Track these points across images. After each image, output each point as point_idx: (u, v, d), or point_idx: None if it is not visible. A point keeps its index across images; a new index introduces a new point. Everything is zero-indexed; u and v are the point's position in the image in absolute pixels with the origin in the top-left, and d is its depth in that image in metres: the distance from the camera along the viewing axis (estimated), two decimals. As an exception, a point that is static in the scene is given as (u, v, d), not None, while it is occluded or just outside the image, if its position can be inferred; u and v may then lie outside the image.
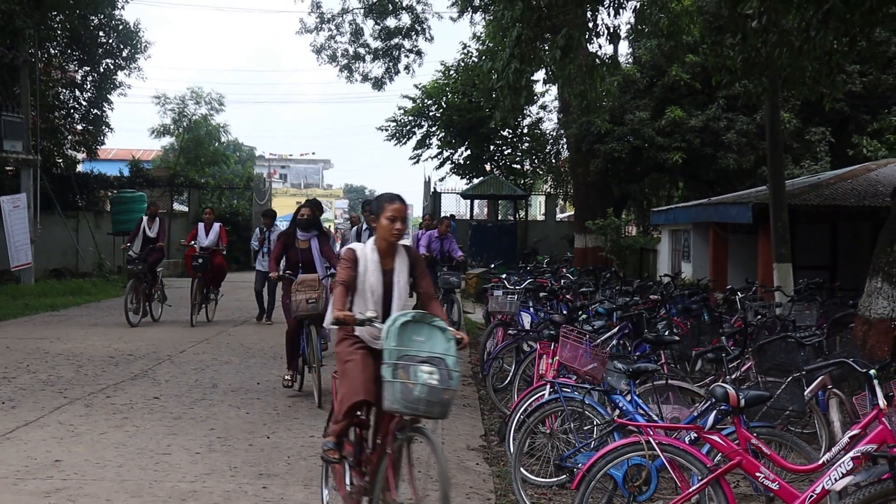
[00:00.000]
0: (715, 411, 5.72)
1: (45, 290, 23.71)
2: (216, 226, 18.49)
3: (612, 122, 26.06)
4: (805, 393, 7.51)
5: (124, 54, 31.32)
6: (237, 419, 9.65)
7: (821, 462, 5.67)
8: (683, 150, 25.86)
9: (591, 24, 14.02)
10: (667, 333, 9.75)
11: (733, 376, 8.30)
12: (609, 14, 14.49)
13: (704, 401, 6.69)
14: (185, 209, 37.56)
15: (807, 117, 25.56)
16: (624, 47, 29.69)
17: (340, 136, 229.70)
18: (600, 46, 14.65)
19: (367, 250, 6.27)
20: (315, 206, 12.35)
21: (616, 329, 10.27)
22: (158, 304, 18.56)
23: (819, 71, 13.24)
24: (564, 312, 11.47)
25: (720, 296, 15.02)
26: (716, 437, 5.56)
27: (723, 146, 25.63)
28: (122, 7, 29.37)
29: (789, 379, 7.56)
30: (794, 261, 15.86)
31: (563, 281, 17.40)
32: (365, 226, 17.72)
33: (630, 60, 29.49)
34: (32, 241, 24.91)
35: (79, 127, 32.93)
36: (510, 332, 11.85)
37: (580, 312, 11.52)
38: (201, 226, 18.49)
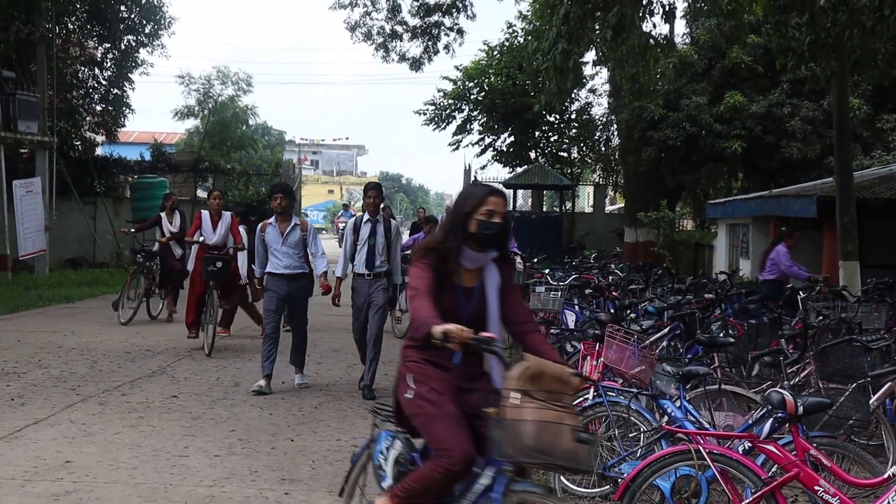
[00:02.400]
0: (771, 419, 5.67)
1: (59, 281, 23.94)
2: (226, 215, 14.89)
3: (667, 107, 25.92)
4: (871, 401, 7.43)
5: (147, 30, 31.59)
6: (259, 420, 9.68)
7: (887, 476, 5.59)
8: (743, 138, 25.69)
9: (645, 2, 13.96)
10: (721, 335, 9.67)
11: (792, 382, 8.21)
12: (665, -10, 14.40)
13: (760, 408, 6.62)
14: (210, 196, 37.60)
15: (878, 103, 25.30)
16: (680, 27, 29.61)
17: (375, 121, 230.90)
18: (654, 26, 14.62)
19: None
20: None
21: (666, 329, 10.21)
22: (159, 301, 18.14)
23: (893, 53, 13.10)
24: (611, 311, 11.43)
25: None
26: (772, 447, 5.51)
27: (786, 134, 25.43)
28: (146, -21, 29.58)
29: (853, 386, 7.47)
30: (862, 259, 15.70)
31: (611, 277, 17.33)
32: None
33: (686, 41, 29.33)
34: (47, 228, 25.15)
35: (98, 108, 33.21)
36: (553, 331, 11.77)
37: (628, 311, 11.47)
38: (206, 214, 14.80)
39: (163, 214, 17.80)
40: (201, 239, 14.51)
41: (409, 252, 17.48)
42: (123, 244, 29.26)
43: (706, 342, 8.69)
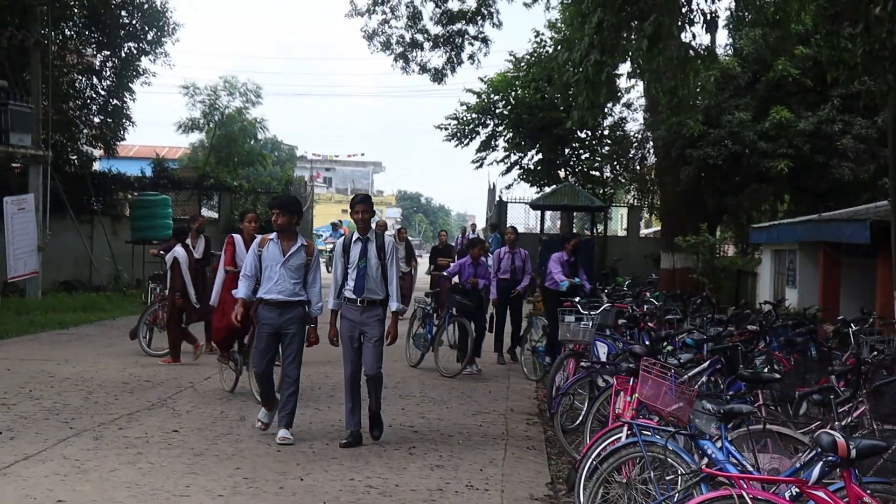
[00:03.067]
0: (821, 463, 5.63)
1: (53, 305, 24.04)
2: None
3: (707, 123, 25.90)
4: (929, 444, 7.37)
5: (149, 37, 31.73)
6: (266, 457, 9.69)
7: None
8: (790, 157, 25.64)
9: (684, 10, 13.95)
10: (766, 370, 9.63)
11: (843, 422, 8.16)
12: (706, -2, 14.40)
13: (809, 450, 6.57)
14: (216, 215, 37.82)
15: (937, 121, 25.21)
16: (722, 37, 29.46)
17: (393, 136, 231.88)
18: (694, 36, 14.55)
19: None
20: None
21: (706, 364, 10.15)
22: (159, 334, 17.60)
23: (954, 66, 13.04)
24: (647, 343, 11.38)
25: (830, 328, 14.83)
26: (821, 494, 5.47)
27: (837, 153, 25.36)
28: (148, -18, 29.78)
29: (911, 427, 7.42)
30: (920, 289, 15.61)
31: (646, 306, 17.29)
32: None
33: (729, 52, 29.30)
34: (40, 248, 25.26)
35: (96, 119, 33.38)
36: (583, 364, 11.76)
37: (665, 343, 11.41)
38: (239, 239, 14.11)
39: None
40: (235, 269, 13.04)
41: (447, 274, 17.61)
42: (122, 266, 29.41)
43: (750, 378, 8.65)
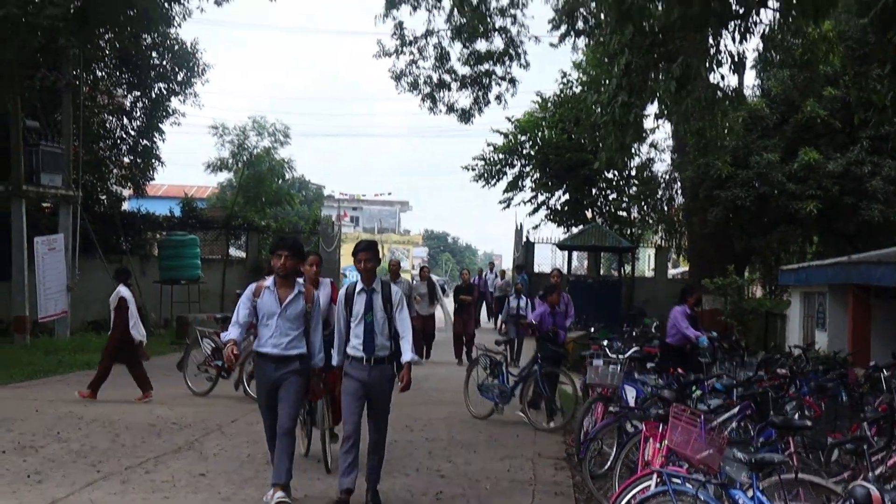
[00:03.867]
0: (854, 514, 5.53)
1: (81, 345, 24.08)
2: (326, 283, 12.61)
3: (735, 164, 25.87)
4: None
5: (179, 78, 31.94)
6: (295, 502, 9.62)
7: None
8: (819, 198, 25.54)
9: (712, 51, 13.94)
10: (797, 416, 9.55)
11: (877, 472, 8.05)
12: (734, 39, 14.35)
13: (841, 500, 6.48)
14: (243, 255, 37.93)
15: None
16: (750, 78, 29.55)
17: (420, 176, 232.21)
18: (722, 77, 14.50)
19: None
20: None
21: (736, 409, 10.07)
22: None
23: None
24: (675, 388, 11.29)
25: (861, 372, 14.67)
26: (855, 547, 5.38)
27: (866, 195, 25.25)
28: (179, 25, 29.93)
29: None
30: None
31: (674, 350, 17.18)
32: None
33: (757, 93, 29.30)
34: (69, 288, 25.36)
35: (126, 159, 33.54)
36: (611, 408, 11.66)
37: (694, 388, 11.33)
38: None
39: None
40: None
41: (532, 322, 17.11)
42: (150, 306, 29.46)
43: (780, 425, 8.55)
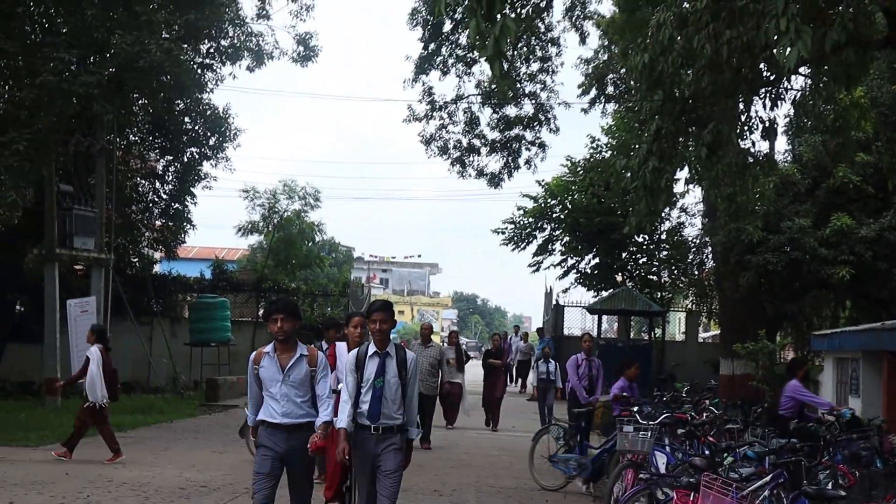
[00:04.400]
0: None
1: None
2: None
3: (767, 229, 25.77)
4: None
5: (211, 143, 32.06)
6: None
7: None
8: (852, 264, 25.37)
9: (743, 117, 13.97)
10: (830, 485, 9.44)
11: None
12: (765, 106, 14.38)
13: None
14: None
15: None
16: (781, 143, 29.49)
17: (450, 239, 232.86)
18: (753, 143, 14.52)
19: None
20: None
21: (769, 478, 9.94)
22: None
23: None
24: (707, 455, 11.19)
25: (896, 440, 14.52)
26: None
27: (900, 260, 25.09)
28: (212, 91, 30.14)
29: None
30: None
31: (705, 415, 17.03)
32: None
33: (788, 158, 29.26)
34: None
35: (158, 223, 33.80)
36: (642, 475, 11.56)
37: (725, 455, 11.23)
38: (343, 350, 11.97)
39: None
40: (340, 386, 10.18)
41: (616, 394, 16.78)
42: (180, 368, 29.53)
43: (814, 495, 8.48)
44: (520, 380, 39.34)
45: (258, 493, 9.02)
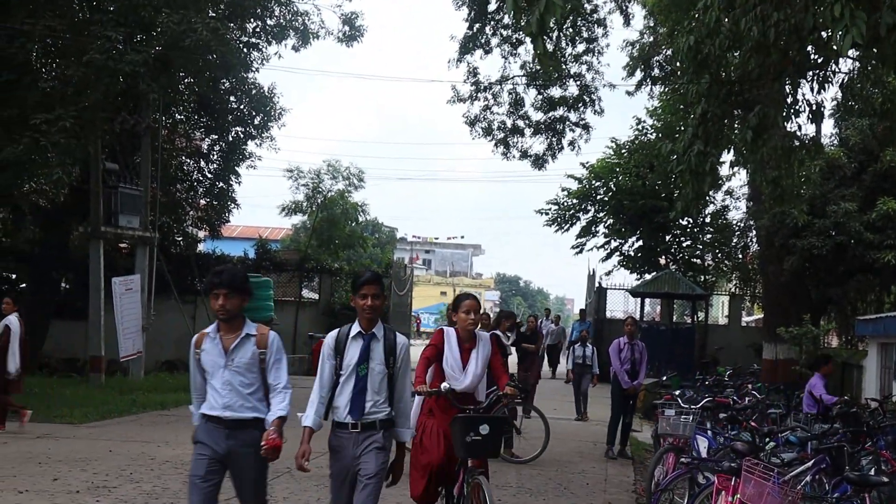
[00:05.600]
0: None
1: (155, 385, 24.33)
2: (484, 338, 9.60)
3: (812, 213, 25.59)
4: None
5: (256, 122, 32.07)
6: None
7: None
8: (897, 248, 25.19)
9: (789, 100, 13.86)
10: (873, 471, 9.39)
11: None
12: (812, 89, 14.26)
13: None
14: (315, 297, 38.18)
15: None
16: (828, 126, 29.24)
17: (493, 220, 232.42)
18: (800, 126, 14.39)
19: None
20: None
21: (811, 463, 9.91)
22: None
23: None
24: (748, 440, 11.16)
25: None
26: None
27: (946, 245, 24.86)
28: (257, 70, 30.15)
29: None
30: None
31: (747, 399, 16.98)
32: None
33: (835, 142, 29.03)
34: (144, 328, 25.64)
35: (202, 202, 33.95)
36: (683, 459, 11.54)
37: (767, 440, 11.20)
38: (451, 335, 9.45)
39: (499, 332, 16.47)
40: (446, 386, 8.91)
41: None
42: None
43: (856, 480, 8.44)
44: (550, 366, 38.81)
45: (192, 502, 7.45)
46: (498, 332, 16.78)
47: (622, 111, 43.46)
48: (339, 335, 7.86)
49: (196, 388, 7.72)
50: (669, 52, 24.91)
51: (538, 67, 28.02)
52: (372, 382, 7.67)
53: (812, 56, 13.29)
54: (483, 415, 8.89)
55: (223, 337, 7.57)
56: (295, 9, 26.71)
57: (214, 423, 7.47)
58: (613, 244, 39.69)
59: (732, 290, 41.60)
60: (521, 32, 25.68)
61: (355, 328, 7.80)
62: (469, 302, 9.33)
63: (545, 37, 9.03)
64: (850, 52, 13.35)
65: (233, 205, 34.15)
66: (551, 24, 9.13)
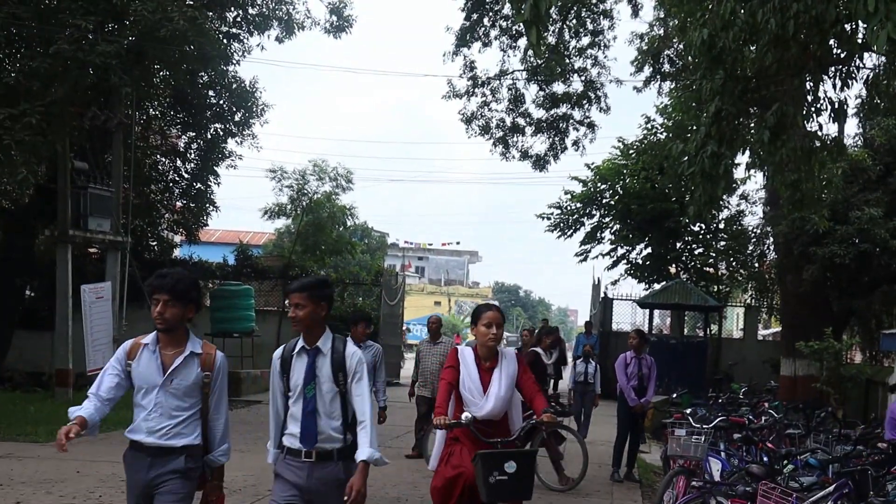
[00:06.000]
0: None
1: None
2: (510, 355, 9.12)
3: (834, 219, 25.59)
4: None
5: (236, 118, 31.96)
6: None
7: None
8: (926, 257, 25.22)
9: (810, 98, 13.87)
10: (899, 497, 9.38)
11: None
12: (834, 86, 14.27)
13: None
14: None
15: None
16: (852, 126, 29.27)
17: (491, 225, 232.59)
18: (821, 126, 14.40)
19: None
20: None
21: (832, 488, 9.89)
22: None
23: None
24: (765, 462, 11.16)
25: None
26: None
27: (977, 254, 24.92)
28: (238, 63, 30.17)
29: None
30: None
31: (764, 418, 16.96)
32: None
33: (859, 143, 29.05)
34: (115, 339, 25.52)
35: (178, 203, 33.86)
36: (694, 483, 11.52)
37: (785, 462, 11.19)
38: (469, 356, 8.94)
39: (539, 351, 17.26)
40: (468, 416, 8.46)
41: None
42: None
43: (881, 507, 8.43)
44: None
45: None
46: (539, 350, 16.81)
47: (630, 109, 43.42)
48: (285, 352, 7.44)
49: (96, 393, 7.40)
50: (681, 45, 24.85)
51: (539, 61, 28.02)
52: (322, 404, 7.19)
53: (834, 50, 13.30)
54: (507, 450, 8.23)
55: (163, 351, 7.12)
56: (279, -4, 26.74)
57: (137, 450, 7.14)
58: (620, 251, 39.66)
59: (748, 301, 41.58)
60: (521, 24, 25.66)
61: (300, 343, 7.37)
62: (491, 314, 8.80)
63: (540, 25, 9.02)
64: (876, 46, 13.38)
65: (211, 207, 34.06)
66: (552, 14, 9.14)
